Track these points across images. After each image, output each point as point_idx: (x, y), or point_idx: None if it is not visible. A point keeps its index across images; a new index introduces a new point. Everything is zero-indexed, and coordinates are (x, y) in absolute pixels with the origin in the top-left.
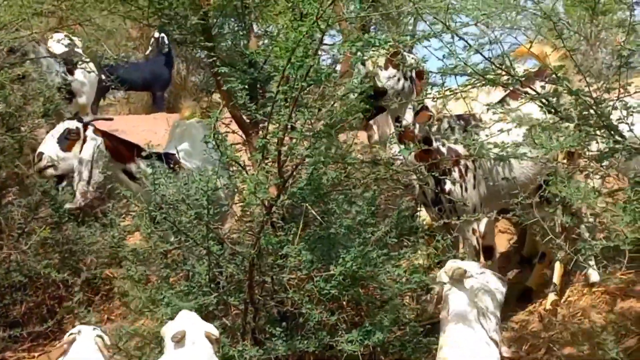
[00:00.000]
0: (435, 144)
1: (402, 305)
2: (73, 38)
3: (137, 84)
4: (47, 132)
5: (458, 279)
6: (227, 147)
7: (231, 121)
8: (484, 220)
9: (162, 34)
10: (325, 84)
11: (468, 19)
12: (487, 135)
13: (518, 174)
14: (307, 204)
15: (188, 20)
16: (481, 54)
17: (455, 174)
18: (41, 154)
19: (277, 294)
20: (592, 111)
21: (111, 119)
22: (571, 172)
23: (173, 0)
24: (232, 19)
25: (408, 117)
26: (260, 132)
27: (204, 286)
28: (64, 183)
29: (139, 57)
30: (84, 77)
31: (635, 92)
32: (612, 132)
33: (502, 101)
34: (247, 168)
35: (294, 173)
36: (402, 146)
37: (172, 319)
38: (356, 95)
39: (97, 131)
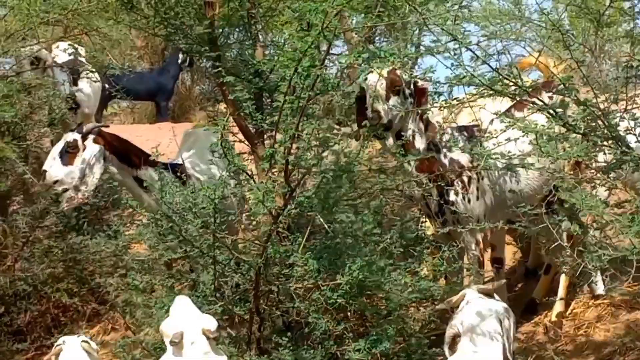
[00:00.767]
0: (436, 155)
1: (408, 316)
2: (77, 47)
3: (141, 93)
4: (52, 142)
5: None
6: (234, 156)
7: (238, 131)
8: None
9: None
10: (331, 93)
11: (476, 28)
12: (494, 145)
13: (524, 184)
14: (315, 213)
15: (194, 29)
16: (488, 64)
17: (458, 185)
18: (44, 171)
19: (283, 304)
20: (599, 122)
21: (107, 126)
22: (578, 182)
23: (179, 10)
24: (238, 29)
25: (412, 125)
26: (267, 141)
27: (209, 295)
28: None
29: (144, 67)
30: (89, 87)
31: None
32: (620, 144)
33: (507, 113)
34: (254, 178)
35: (301, 182)
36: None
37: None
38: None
39: (99, 139)
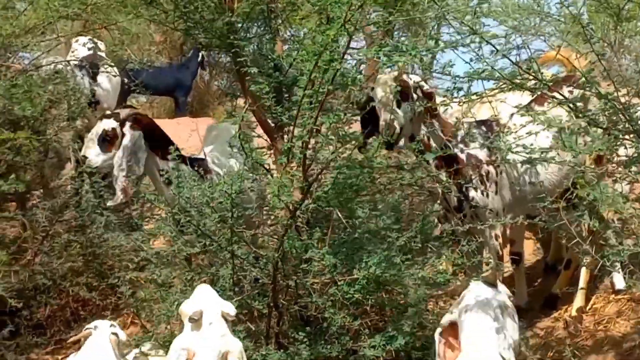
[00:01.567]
0: (453, 151)
1: (425, 311)
2: (97, 42)
3: (160, 88)
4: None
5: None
6: (252, 149)
7: (257, 125)
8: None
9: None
10: (351, 87)
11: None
12: (514, 138)
13: (543, 178)
14: (333, 208)
15: (214, 24)
16: (508, 58)
17: (477, 181)
18: (84, 157)
19: (301, 298)
20: (620, 116)
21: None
22: (599, 176)
23: (199, 4)
24: (258, 23)
25: (424, 128)
26: (286, 135)
27: (228, 290)
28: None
29: (163, 62)
30: (108, 82)
31: None
32: None
33: (527, 107)
34: (272, 172)
35: (319, 177)
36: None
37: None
38: None
39: (137, 124)
